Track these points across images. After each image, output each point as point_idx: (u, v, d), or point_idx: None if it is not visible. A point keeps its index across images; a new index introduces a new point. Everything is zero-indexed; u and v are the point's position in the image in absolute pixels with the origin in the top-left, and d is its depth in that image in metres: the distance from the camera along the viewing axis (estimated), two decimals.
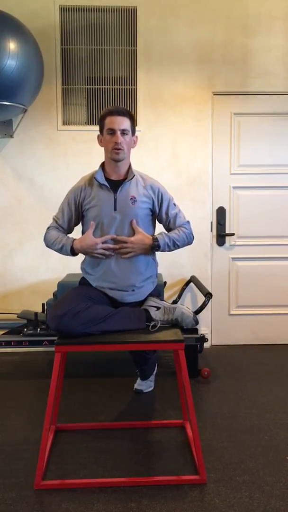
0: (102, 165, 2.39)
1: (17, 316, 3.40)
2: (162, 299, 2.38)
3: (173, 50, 3.61)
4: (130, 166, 2.38)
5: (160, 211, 2.40)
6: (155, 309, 2.28)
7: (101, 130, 2.34)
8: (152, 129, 3.65)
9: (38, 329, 3.24)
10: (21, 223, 3.68)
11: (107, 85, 3.62)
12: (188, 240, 2.42)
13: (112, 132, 2.27)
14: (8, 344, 3.17)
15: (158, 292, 2.50)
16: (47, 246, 2.42)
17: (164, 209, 2.40)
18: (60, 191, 3.59)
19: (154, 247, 2.31)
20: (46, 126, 3.62)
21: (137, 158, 3.56)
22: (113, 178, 2.35)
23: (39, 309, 3.51)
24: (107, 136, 2.29)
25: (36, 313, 3.30)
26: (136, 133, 2.41)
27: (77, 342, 2.07)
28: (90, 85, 3.63)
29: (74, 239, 2.32)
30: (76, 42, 3.58)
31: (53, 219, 2.46)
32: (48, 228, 2.44)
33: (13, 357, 3.61)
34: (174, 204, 2.44)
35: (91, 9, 3.55)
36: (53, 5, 3.53)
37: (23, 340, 3.18)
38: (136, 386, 2.96)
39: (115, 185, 2.33)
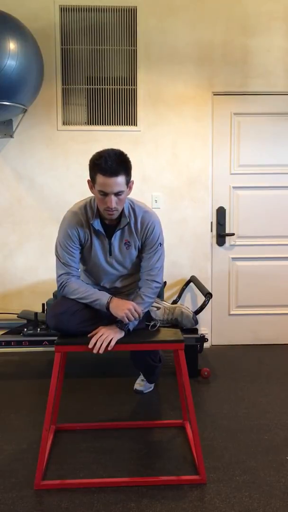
0: (97, 209, 2.16)
1: (17, 316, 3.40)
2: (162, 299, 2.38)
3: (173, 50, 3.61)
4: (123, 211, 2.16)
5: (142, 245, 2.25)
6: (155, 309, 2.28)
7: (92, 180, 2.07)
8: (152, 129, 3.65)
9: (38, 329, 3.24)
10: (21, 223, 3.68)
11: (107, 85, 3.62)
12: (154, 298, 2.25)
13: (105, 194, 2.02)
14: (8, 344, 3.17)
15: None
16: (67, 296, 2.20)
17: (147, 246, 2.24)
18: (60, 191, 3.62)
19: (124, 330, 2.09)
20: (46, 126, 3.63)
21: (137, 158, 3.57)
22: (107, 223, 2.19)
23: (39, 309, 3.51)
24: (99, 195, 2.04)
25: (36, 313, 3.30)
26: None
27: (77, 342, 2.06)
28: (90, 85, 3.63)
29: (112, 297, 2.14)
30: (76, 42, 3.58)
31: (61, 264, 2.19)
32: (63, 282, 2.18)
33: (13, 357, 3.61)
34: (160, 243, 2.24)
35: (91, 9, 3.55)
36: (53, 5, 3.53)
37: (23, 340, 3.18)
38: (136, 386, 2.96)
39: (109, 230, 2.20)
